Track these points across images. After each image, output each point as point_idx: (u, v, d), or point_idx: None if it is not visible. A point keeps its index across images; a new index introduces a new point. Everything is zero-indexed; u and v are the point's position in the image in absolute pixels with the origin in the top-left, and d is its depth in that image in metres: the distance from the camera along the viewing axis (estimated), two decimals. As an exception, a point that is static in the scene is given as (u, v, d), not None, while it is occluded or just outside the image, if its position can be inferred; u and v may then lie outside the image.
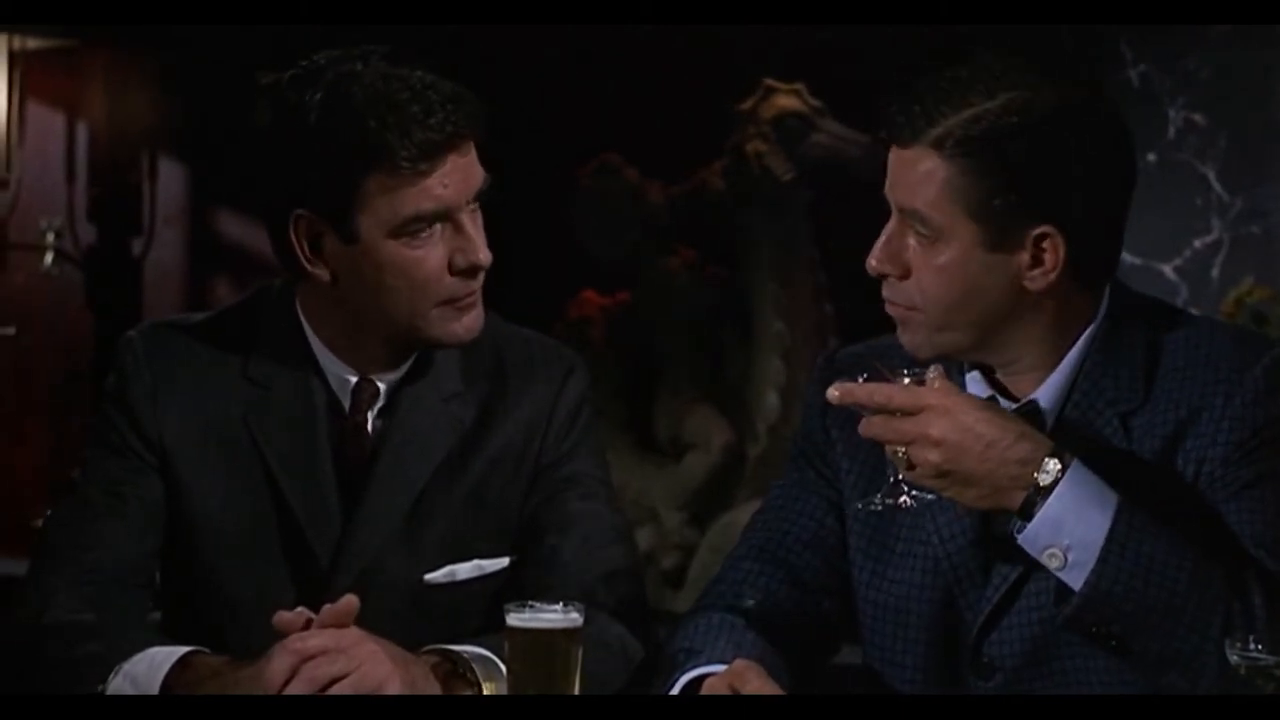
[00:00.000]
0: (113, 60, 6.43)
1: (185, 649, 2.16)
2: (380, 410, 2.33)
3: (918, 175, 2.10)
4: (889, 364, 2.10)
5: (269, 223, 2.28)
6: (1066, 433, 2.13)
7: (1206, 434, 2.12)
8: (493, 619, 2.16)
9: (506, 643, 2.06)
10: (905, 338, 2.17)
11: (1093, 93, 2.12)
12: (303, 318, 2.34)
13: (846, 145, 5.47)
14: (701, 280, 5.74)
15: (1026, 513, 2.04)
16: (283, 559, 2.31)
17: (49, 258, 6.37)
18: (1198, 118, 5.29)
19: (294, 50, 2.28)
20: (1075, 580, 2.04)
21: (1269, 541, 2.08)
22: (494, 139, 2.28)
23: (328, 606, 2.09)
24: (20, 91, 6.33)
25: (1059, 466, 2.03)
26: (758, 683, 2.00)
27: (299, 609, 2.09)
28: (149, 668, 2.14)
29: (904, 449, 2.06)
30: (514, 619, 2.04)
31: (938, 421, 2.03)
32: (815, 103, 5.53)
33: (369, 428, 2.33)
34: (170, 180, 6.50)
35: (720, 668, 2.06)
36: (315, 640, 2.05)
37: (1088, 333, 2.17)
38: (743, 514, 4.98)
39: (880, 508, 2.14)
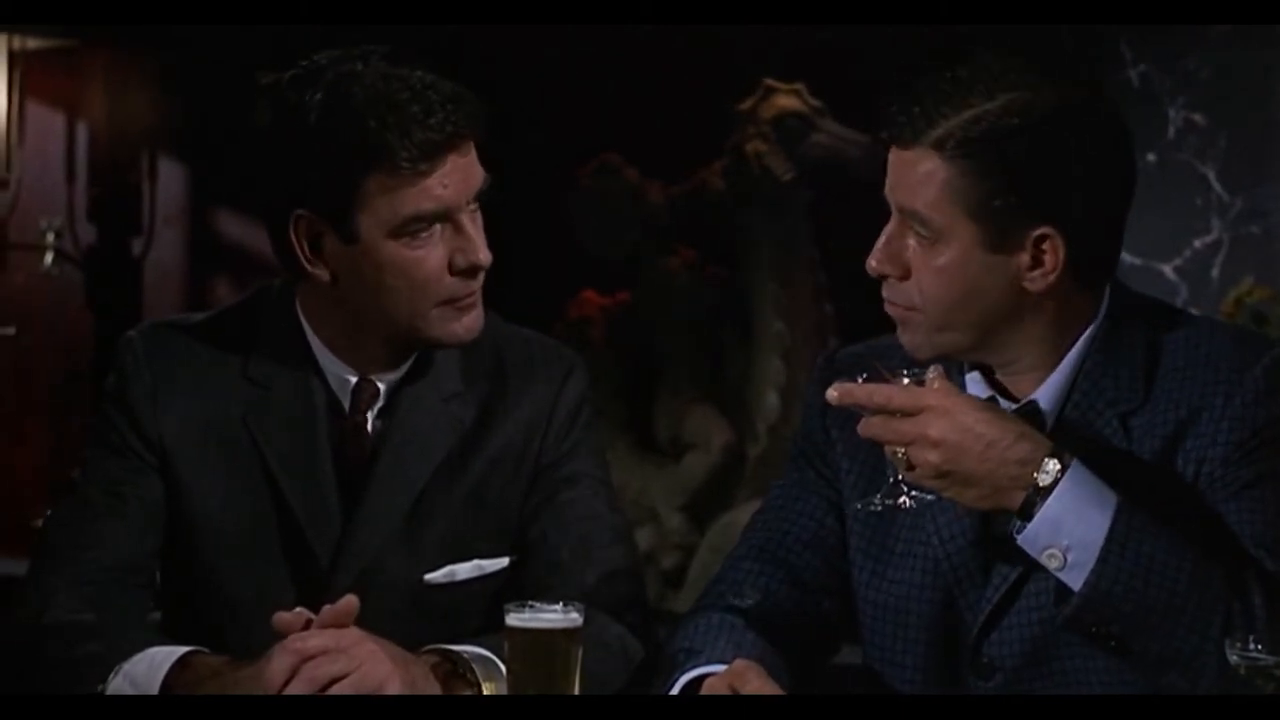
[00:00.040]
0: (113, 60, 6.43)
1: (185, 649, 2.16)
2: (380, 410, 2.33)
3: (918, 176, 2.10)
4: (889, 364, 2.10)
5: (269, 223, 2.27)
6: (1066, 433, 2.12)
7: (1206, 434, 2.11)
8: (493, 619, 2.16)
9: (506, 643, 2.06)
10: (905, 338, 2.17)
11: (1093, 93, 2.12)
12: (303, 318, 2.34)
13: (846, 145, 5.47)
14: (701, 280, 5.74)
15: (1026, 513, 2.04)
16: (283, 559, 2.31)
17: (49, 258, 6.36)
18: (1198, 118, 5.29)
19: (294, 50, 2.28)
20: (1075, 580, 2.03)
21: (1269, 541, 2.08)
22: (494, 139, 2.28)
23: (328, 607, 2.09)
24: (20, 91, 6.33)
25: (1058, 467, 2.03)
26: (758, 683, 2.00)
27: (299, 609, 2.09)
28: (149, 668, 2.14)
29: (903, 449, 2.05)
30: (514, 619, 2.04)
31: (937, 422, 2.03)
32: (815, 103, 5.53)
33: (369, 428, 2.33)
34: (170, 180, 6.49)
35: (720, 668, 2.06)
36: (315, 640, 2.05)
37: (1088, 333, 2.16)
38: (743, 514, 4.98)
39: (880, 508, 2.14)
